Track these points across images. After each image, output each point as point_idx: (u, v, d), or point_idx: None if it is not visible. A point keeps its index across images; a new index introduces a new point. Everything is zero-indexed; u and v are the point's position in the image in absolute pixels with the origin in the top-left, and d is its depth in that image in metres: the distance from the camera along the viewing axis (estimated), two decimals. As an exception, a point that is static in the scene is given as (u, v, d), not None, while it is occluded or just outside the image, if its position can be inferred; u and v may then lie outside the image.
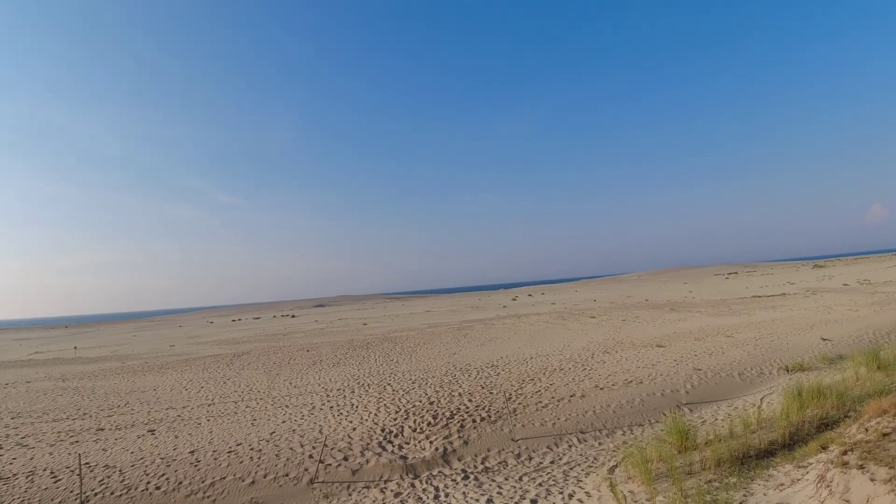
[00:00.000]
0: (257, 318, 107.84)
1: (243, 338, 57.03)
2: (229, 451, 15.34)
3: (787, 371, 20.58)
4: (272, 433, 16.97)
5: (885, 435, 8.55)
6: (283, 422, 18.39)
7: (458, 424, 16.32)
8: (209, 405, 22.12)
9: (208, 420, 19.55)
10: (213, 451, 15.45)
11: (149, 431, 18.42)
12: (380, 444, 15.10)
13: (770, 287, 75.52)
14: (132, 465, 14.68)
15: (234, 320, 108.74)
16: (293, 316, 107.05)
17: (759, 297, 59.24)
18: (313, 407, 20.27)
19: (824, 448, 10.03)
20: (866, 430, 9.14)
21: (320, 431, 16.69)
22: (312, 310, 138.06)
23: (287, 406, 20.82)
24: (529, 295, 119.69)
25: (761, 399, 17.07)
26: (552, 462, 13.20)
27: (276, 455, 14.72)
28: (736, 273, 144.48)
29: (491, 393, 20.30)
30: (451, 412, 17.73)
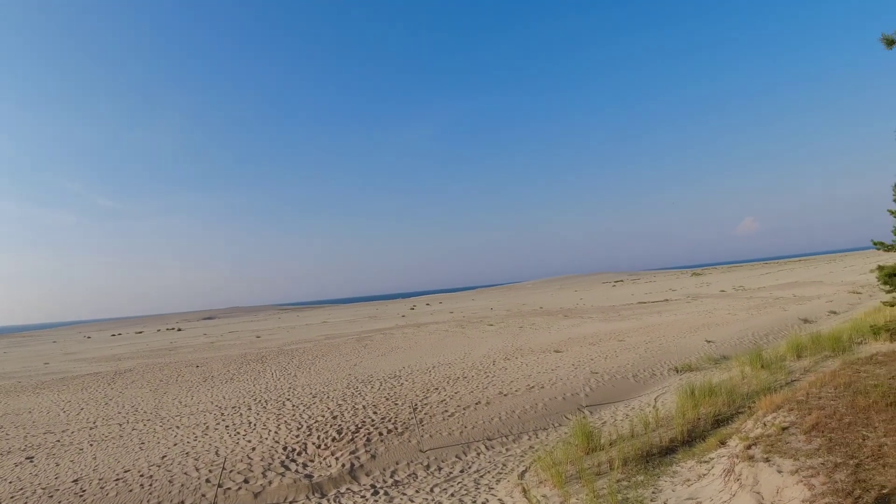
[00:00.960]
0: (140, 333, 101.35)
1: (125, 353, 53.26)
2: (117, 479, 14.06)
3: (677, 372, 21.62)
4: (163, 457, 15.75)
5: (784, 429, 9.07)
6: (175, 444, 17.13)
7: (365, 438, 15.86)
8: (91, 428, 20.34)
9: (91, 445, 17.92)
10: (100, 480, 14.12)
11: (27, 459, 16.63)
12: (282, 463, 14.38)
13: (654, 294, 79.83)
14: (11, 497, 13.14)
15: (114, 335, 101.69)
16: (179, 329, 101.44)
17: (645, 303, 62.42)
18: (207, 427, 19.07)
19: (723, 443, 10.52)
20: (764, 424, 9.66)
21: (217, 453, 15.67)
22: (201, 322, 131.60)
23: (178, 427, 19.47)
24: (427, 304, 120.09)
25: (656, 399, 17.81)
26: (462, 471, 13.08)
27: (170, 481, 13.63)
28: (622, 281, 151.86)
29: (396, 404, 19.95)
30: (356, 426, 17.23)
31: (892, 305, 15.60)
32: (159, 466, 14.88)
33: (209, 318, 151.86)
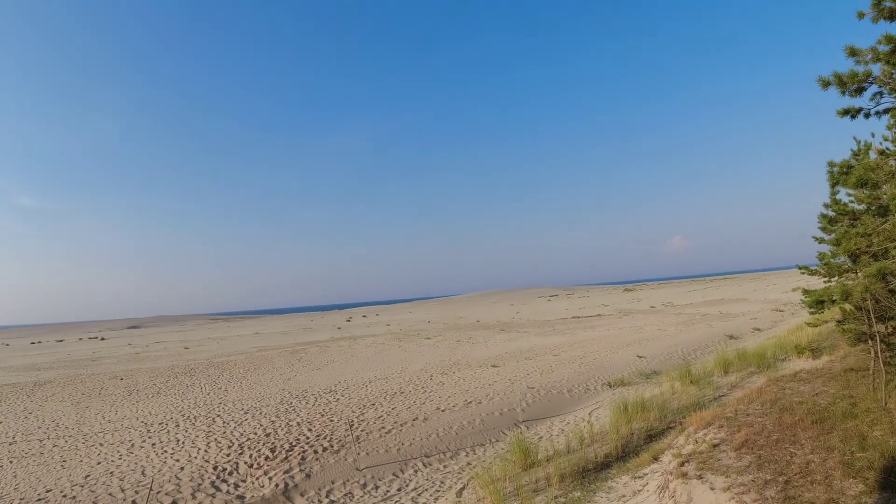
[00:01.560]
0: (60, 341, 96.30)
1: (45, 363, 50.37)
2: (38, 500, 13.16)
3: (610, 386, 22.04)
4: (87, 476, 14.86)
5: (715, 446, 9.31)
6: (99, 463, 16.19)
7: (299, 456, 15.42)
8: (10, 444, 19.03)
9: (11, 462, 16.73)
10: (21, 500, 13.20)
11: (-74, 482, 15.44)
12: (213, 483, 13.79)
13: (588, 308, 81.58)
14: None
15: (33, 342, 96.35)
16: (103, 338, 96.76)
17: (579, 317, 63.68)
18: (132, 444, 18.13)
19: (656, 459, 10.71)
20: (696, 441, 9.90)
21: (143, 473, 14.90)
22: (125, 331, 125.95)
23: (101, 444, 18.44)
24: (364, 316, 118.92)
25: (590, 413, 18.09)
26: (400, 489, 12.86)
27: (94, 503, 12.90)
28: (557, 295, 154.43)
29: (331, 420, 19.53)
30: (291, 444, 16.74)
31: (815, 326, 16.37)
32: (83, 486, 14.04)
33: (134, 327, 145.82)
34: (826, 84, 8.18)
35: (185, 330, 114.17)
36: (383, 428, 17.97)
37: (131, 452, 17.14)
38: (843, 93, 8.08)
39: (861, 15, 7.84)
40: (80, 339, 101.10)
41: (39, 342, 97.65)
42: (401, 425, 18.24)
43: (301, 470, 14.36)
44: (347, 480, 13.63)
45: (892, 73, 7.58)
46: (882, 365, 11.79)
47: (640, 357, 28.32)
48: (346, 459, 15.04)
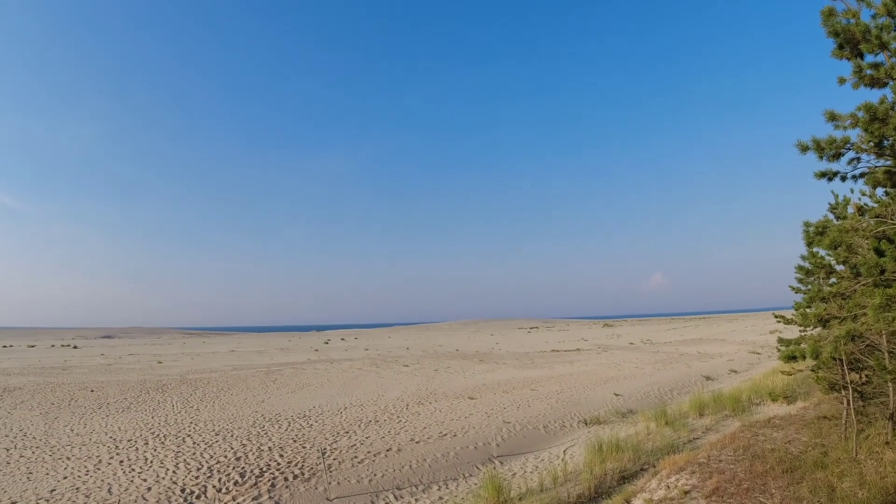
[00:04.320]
0: (32, 346, 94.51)
1: (14, 369, 49.26)
2: (-5, 516, 12.88)
3: (586, 424, 22.01)
4: (52, 491, 14.49)
5: (686, 492, 9.33)
6: (65, 477, 15.79)
7: (269, 483, 15.18)
8: (-29, 454, 18.59)
9: (-28, 473, 16.34)
10: (-26, 516, 12.88)
11: None
12: (178, 506, 13.54)
13: (567, 342, 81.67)
14: None
15: (4, 346, 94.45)
16: (76, 347, 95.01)
17: (558, 351, 63.71)
18: (100, 460, 17.73)
19: (628, 502, 10.70)
20: (668, 486, 9.92)
21: (109, 491, 14.57)
22: (98, 341, 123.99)
23: (69, 458, 18.01)
24: (342, 339, 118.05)
25: (565, 451, 18.02)
26: (369, 522, 12.69)
27: (51, 523, 12.58)
28: (537, 328, 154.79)
29: (304, 447, 19.27)
30: (261, 469, 16.48)
31: (789, 374, 16.60)
32: (48, 501, 13.72)
33: (108, 337, 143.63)
34: (804, 148, 8.43)
35: (160, 343, 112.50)
36: (356, 457, 17.76)
37: (98, 469, 16.78)
38: (821, 157, 8.33)
39: (842, 81, 8.11)
40: (53, 345, 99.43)
41: (11, 346, 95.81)
42: (374, 455, 18.04)
43: (270, 497, 14.12)
44: (317, 511, 13.42)
45: (870, 141, 7.81)
46: (854, 415, 11.93)
47: (617, 395, 28.35)
48: (316, 488, 14.83)
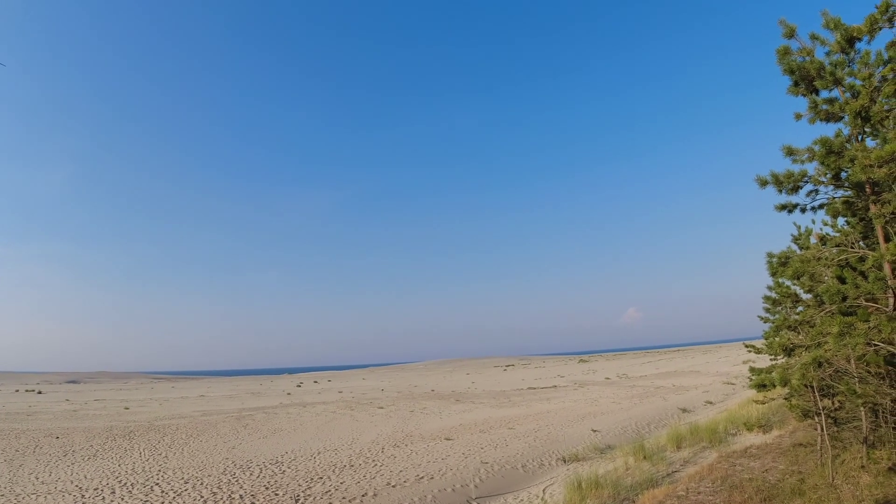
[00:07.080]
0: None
1: (-24, 417, 47.37)
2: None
3: (565, 461, 21.78)
4: (4, 554, 13.84)
5: (665, 527, 9.21)
6: (23, 536, 15.12)
7: (239, 534, 14.66)
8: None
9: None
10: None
11: None
12: (143, 564, 12.97)
13: (543, 379, 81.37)
14: None
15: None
16: (40, 392, 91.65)
17: (535, 388, 63.41)
18: (61, 517, 17.00)
19: (608, 540, 10.52)
20: (648, 522, 9.78)
21: (67, 552, 13.95)
22: (64, 386, 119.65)
23: (29, 514, 17.23)
24: (315, 381, 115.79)
25: (544, 490, 17.76)
26: (344, 572, 12.29)
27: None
28: (513, 365, 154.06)
29: (276, 494, 18.67)
30: (231, 520, 15.94)
31: (762, 404, 16.73)
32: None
33: (73, 382, 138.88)
34: (764, 183, 8.70)
35: (127, 388, 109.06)
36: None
37: (60, 527, 16.03)
38: (780, 191, 8.60)
39: (798, 116, 8.39)
40: (17, 390, 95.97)
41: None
42: (349, 501, 17.56)
43: (241, 550, 13.61)
44: (290, 562, 12.96)
45: (828, 173, 8.07)
46: (828, 441, 12.00)
47: (594, 431, 28.19)
48: (289, 539, 14.35)
